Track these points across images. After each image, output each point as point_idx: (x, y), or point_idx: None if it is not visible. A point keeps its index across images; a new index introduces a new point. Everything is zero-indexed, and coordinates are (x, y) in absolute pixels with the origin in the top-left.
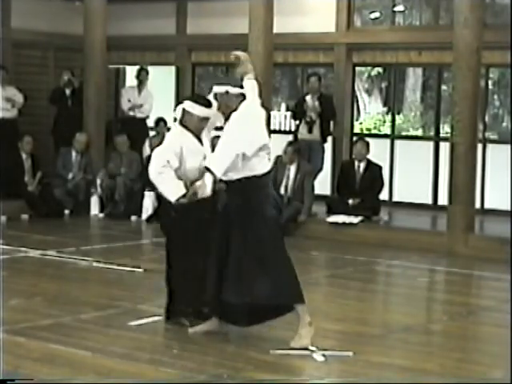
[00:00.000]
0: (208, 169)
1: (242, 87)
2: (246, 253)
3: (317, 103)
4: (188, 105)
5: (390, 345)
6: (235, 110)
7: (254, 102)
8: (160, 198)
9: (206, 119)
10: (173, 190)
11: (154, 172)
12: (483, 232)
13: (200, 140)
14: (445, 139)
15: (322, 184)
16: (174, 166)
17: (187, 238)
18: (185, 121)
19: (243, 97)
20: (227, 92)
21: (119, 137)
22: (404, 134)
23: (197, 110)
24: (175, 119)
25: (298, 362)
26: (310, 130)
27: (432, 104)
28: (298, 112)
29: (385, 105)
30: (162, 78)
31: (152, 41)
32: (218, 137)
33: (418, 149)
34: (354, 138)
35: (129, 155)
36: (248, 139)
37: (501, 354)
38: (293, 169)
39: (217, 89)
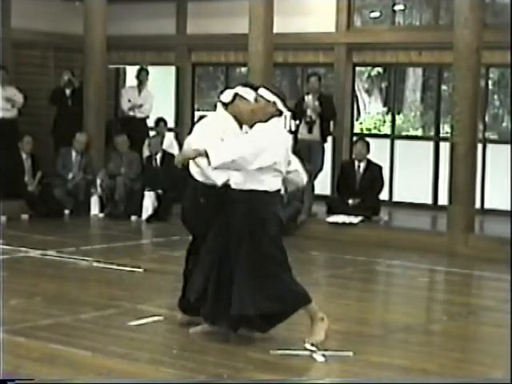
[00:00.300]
0: (206, 153)
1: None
2: (253, 265)
3: (317, 103)
4: (242, 90)
5: (390, 345)
6: (263, 120)
7: (283, 127)
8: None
9: None
10: (218, 175)
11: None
12: (483, 232)
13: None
14: (445, 139)
15: (322, 184)
16: None
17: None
18: (232, 107)
19: (279, 114)
20: (274, 103)
21: (119, 137)
22: (404, 133)
23: (252, 96)
24: (215, 106)
25: (297, 362)
26: (310, 130)
27: (432, 104)
28: (297, 112)
29: (385, 105)
30: (161, 78)
31: (152, 41)
32: None
33: (417, 149)
34: (354, 138)
35: (129, 155)
36: (255, 151)
37: (501, 353)
38: None
39: (265, 93)
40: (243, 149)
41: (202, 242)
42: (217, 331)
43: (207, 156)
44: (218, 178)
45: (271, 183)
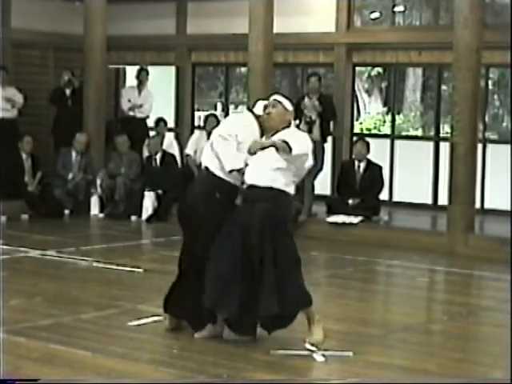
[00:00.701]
0: (286, 143)
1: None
2: (274, 265)
3: (317, 103)
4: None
5: (390, 345)
6: (279, 128)
7: None
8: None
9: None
10: (230, 160)
11: (218, 136)
12: (483, 232)
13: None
14: (445, 139)
15: (322, 184)
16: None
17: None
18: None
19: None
20: (291, 112)
21: (119, 137)
22: (404, 133)
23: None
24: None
25: (298, 361)
26: (310, 130)
27: (432, 104)
28: (297, 112)
29: (385, 105)
30: (161, 78)
31: (152, 41)
32: None
33: (418, 149)
34: (354, 138)
35: (129, 155)
36: (308, 151)
37: (501, 353)
38: None
39: (283, 100)
40: (307, 146)
41: (202, 241)
42: (221, 333)
43: (288, 145)
44: (228, 165)
45: (292, 186)
